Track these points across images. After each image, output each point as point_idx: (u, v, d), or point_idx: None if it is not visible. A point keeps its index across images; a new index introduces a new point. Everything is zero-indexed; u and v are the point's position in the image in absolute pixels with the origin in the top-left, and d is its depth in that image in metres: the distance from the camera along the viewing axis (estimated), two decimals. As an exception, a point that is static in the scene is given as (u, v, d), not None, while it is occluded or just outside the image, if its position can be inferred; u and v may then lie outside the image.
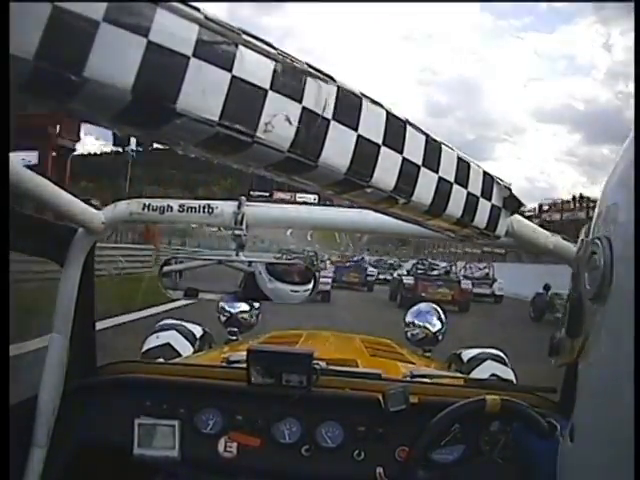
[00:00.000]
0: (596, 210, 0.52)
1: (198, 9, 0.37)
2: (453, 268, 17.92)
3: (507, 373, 1.99)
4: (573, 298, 0.53)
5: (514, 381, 1.97)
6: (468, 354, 2.10)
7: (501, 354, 2.11)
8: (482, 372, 1.96)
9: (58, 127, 18.28)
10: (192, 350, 1.99)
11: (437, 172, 0.57)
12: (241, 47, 0.39)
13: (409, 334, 2.15)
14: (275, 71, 0.41)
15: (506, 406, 1.02)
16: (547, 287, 13.60)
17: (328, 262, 26.65)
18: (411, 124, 0.53)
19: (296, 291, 1.31)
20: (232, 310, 2.23)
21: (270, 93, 0.41)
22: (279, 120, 0.42)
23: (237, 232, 1.11)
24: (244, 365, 1.25)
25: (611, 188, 0.50)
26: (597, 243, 0.47)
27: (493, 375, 1.94)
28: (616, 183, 0.49)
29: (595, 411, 0.48)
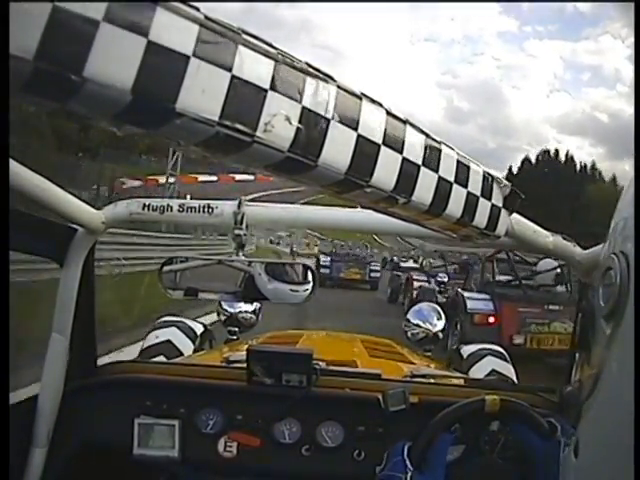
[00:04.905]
0: (612, 223, 0.51)
1: (198, 9, 0.37)
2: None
3: (507, 369, 1.99)
4: (585, 314, 0.51)
5: (514, 377, 1.97)
6: (468, 350, 2.11)
7: (501, 350, 2.11)
8: (482, 368, 1.96)
9: None
10: (193, 347, 1.99)
11: (437, 172, 0.57)
12: (241, 47, 0.39)
13: (409, 334, 2.16)
14: (275, 71, 0.41)
15: (505, 406, 1.02)
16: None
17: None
18: (411, 124, 0.53)
19: (296, 291, 1.32)
20: (232, 310, 2.24)
21: (270, 93, 0.41)
22: (279, 120, 0.42)
23: (237, 232, 1.11)
24: (244, 365, 1.25)
25: (625, 201, 0.49)
26: (613, 258, 0.45)
27: (493, 371, 1.94)
28: (630, 196, 0.47)
29: (603, 430, 0.46)
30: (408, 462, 0.93)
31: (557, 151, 59.08)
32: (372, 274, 16.44)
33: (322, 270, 15.76)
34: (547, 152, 58.91)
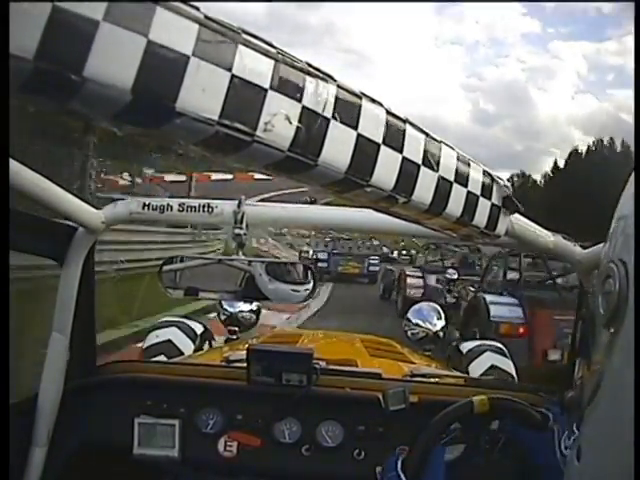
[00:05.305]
0: (612, 222, 0.50)
1: (198, 8, 0.37)
2: None
3: (506, 364, 1.99)
4: (585, 321, 0.52)
5: (514, 372, 1.97)
6: (467, 346, 2.11)
7: (500, 345, 2.11)
8: (481, 363, 1.96)
9: None
10: (193, 347, 1.99)
11: (437, 171, 0.57)
12: (241, 46, 0.39)
13: (409, 333, 2.16)
14: (275, 70, 0.41)
15: (495, 404, 1.01)
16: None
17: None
18: (411, 123, 0.53)
19: (297, 291, 1.32)
20: (232, 309, 2.24)
21: (270, 92, 0.41)
22: (279, 119, 0.42)
23: (237, 231, 1.11)
24: (244, 364, 1.25)
25: (625, 199, 0.48)
26: (612, 267, 0.45)
27: (493, 366, 1.94)
28: (630, 194, 0.47)
29: (603, 434, 0.47)
30: (403, 476, 0.92)
31: (612, 139, 50.02)
32: (371, 268, 16.11)
33: (319, 264, 15.43)
34: (601, 140, 50.62)
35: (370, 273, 15.99)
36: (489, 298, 5.24)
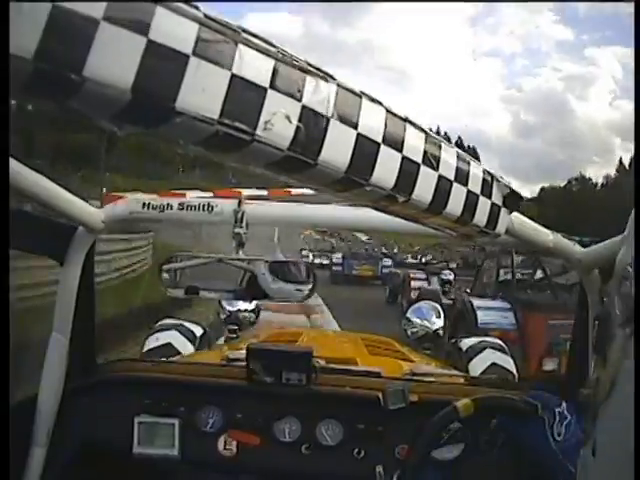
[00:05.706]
0: (627, 226, 0.51)
1: (198, 7, 0.37)
2: None
3: (507, 362, 1.98)
4: (603, 322, 0.53)
5: (514, 370, 1.96)
6: (467, 343, 2.10)
7: (500, 342, 2.10)
8: (482, 361, 1.95)
9: None
10: (193, 350, 1.99)
11: (437, 170, 0.57)
12: (240, 45, 0.39)
13: (409, 332, 2.16)
14: (275, 69, 0.41)
15: (479, 405, 1.01)
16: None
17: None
18: (411, 122, 0.53)
19: (300, 290, 1.32)
20: (231, 308, 2.24)
21: (270, 91, 0.41)
22: (279, 118, 0.42)
23: (237, 230, 1.11)
24: (244, 363, 1.25)
25: None
26: (627, 269, 0.47)
27: (493, 364, 1.93)
28: None
29: (619, 429, 0.48)
30: None
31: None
32: (384, 270, 16.37)
33: (334, 268, 16.30)
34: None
35: (384, 275, 16.21)
36: (477, 303, 4.87)
